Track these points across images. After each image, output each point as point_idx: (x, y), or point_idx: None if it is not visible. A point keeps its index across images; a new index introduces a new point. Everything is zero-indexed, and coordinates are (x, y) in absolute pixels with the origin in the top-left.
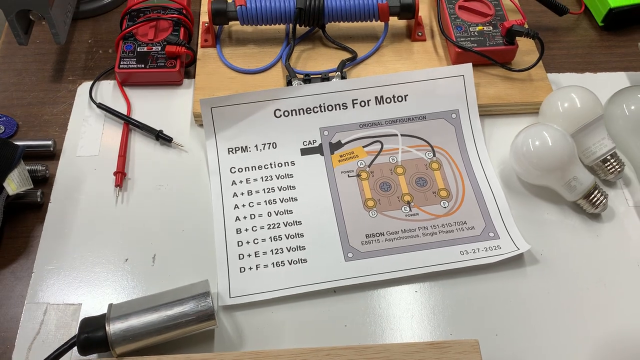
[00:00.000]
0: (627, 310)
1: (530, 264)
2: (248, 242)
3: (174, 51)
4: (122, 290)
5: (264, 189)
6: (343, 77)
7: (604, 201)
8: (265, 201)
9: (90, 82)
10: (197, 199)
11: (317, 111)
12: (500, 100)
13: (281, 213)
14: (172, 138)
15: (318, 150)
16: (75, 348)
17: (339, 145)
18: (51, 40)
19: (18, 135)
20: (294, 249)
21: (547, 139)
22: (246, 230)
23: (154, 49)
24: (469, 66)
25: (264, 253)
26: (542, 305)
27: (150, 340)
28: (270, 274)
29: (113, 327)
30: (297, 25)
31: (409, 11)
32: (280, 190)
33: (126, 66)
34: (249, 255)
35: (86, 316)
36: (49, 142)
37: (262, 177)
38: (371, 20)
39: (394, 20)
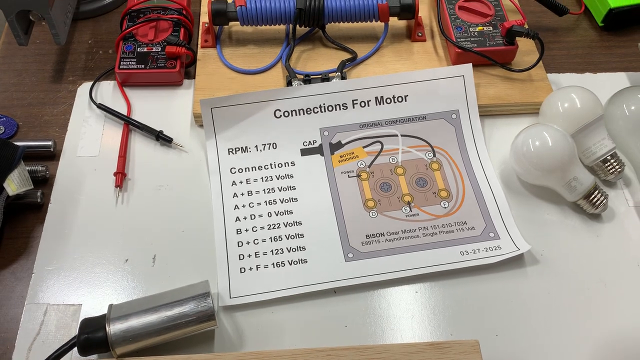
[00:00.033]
0: (628, 310)
1: (531, 264)
2: (248, 243)
3: (174, 52)
4: (122, 290)
5: (264, 190)
6: (343, 78)
7: (604, 201)
8: (266, 201)
9: (91, 83)
10: (197, 199)
11: (317, 111)
12: (501, 100)
13: (281, 213)
14: (172, 138)
15: (318, 150)
16: (75, 349)
17: (339, 145)
18: (51, 40)
19: (18, 135)
20: (294, 250)
21: (547, 139)
22: (246, 230)
23: (154, 50)
24: (469, 66)
25: (264, 253)
26: (543, 306)
27: (151, 340)
28: (271, 274)
29: (113, 328)
30: (297, 26)
31: (409, 11)
32: (280, 190)
33: (126, 67)
34: (249, 256)
35: (86, 317)
36: (49, 143)
37: (262, 178)
38: (371, 21)
39: (394, 21)
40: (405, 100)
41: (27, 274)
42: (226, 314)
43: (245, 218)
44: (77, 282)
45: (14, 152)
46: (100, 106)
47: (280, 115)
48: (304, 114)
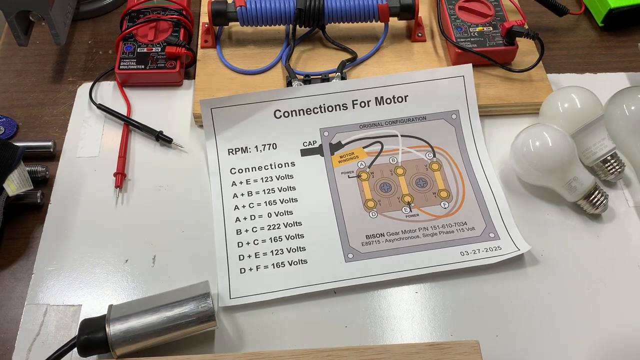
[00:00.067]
0: (628, 310)
1: (531, 264)
2: (248, 243)
3: (174, 52)
4: (122, 291)
5: (264, 190)
6: (343, 78)
7: (604, 202)
8: (266, 202)
9: (90, 83)
10: (197, 199)
11: (317, 112)
12: (501, 100)
13: (281, 214)
14: (172, 139)
15: (318, 151)
16: (75, 349)
17: (339, 146)
18: (51, 41)
19: (18, 136)
20: (294, 250)
21: (548, 139)
22: (246, 231)
23: (154, 50)
24: (469, 67)
25: (264, 254)
26: (543, 306)
27: (151, 341)
28: (271, 274)
29: (113, 329)
30: (297, 26)
31: (408, 12)
32: (280, 191)
33: (126, 67)
34: (249, 256)
35: (86, 317)
36: (49, 143)
37: (262, 178)
38: (371, 21)
39: (394, 21)
40: (405, 101)
41: (27, 275)
42: (226, 315)
43: (245, 218)
44: (77, 282)
45: (14, 153)
46: (100, 106)
47: (280, 116)
48: (304, 114)
